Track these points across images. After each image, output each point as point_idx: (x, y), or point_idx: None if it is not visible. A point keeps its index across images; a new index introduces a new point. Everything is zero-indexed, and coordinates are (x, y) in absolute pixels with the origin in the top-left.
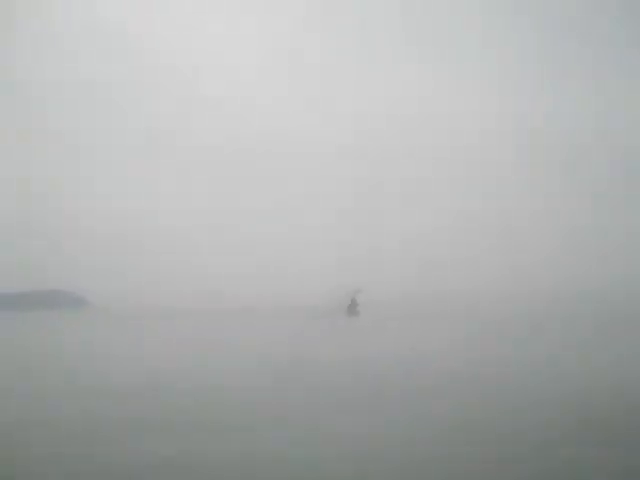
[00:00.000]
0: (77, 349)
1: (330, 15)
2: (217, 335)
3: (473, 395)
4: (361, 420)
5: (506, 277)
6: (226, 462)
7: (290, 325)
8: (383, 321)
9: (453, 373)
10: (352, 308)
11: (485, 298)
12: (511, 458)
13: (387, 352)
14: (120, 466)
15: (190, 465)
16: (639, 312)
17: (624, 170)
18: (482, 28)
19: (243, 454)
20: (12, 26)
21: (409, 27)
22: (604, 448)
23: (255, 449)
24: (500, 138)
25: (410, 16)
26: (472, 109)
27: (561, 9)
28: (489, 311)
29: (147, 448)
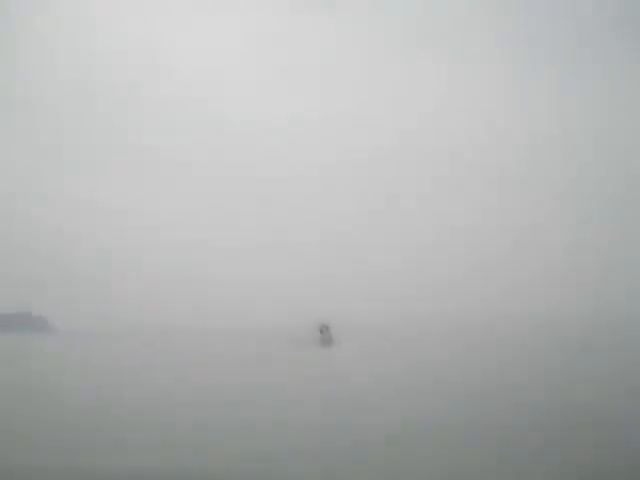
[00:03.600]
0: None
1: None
2: (195, 355)
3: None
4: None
5: (493, 300)
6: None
7: (259, 350)
8: (359, 348)
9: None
10: (325, 337)
11: (465, 321)
12: None
13: (360, 378)
14: None
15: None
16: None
17: (626, 186)
18: (494, 32)
19: None
20: (11, 45)
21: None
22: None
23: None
24: (505, 154)
25: (423, 23)
26: (481, 129)
27: (576, 17)
28: (470, 334)
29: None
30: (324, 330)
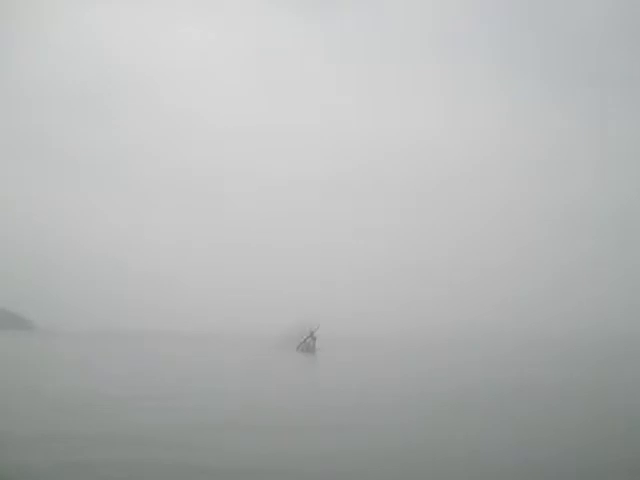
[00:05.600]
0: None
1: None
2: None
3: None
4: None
5: (466, 316)
6: None
7: (245, 356)
8: (338, 358)
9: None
10: (308, 344)
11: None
12: None
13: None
14: None
15: None
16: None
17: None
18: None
19: None
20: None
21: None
22: None
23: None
24: (495, 169)
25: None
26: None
27: (573, 58)
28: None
29: None
30: (309, 337)
